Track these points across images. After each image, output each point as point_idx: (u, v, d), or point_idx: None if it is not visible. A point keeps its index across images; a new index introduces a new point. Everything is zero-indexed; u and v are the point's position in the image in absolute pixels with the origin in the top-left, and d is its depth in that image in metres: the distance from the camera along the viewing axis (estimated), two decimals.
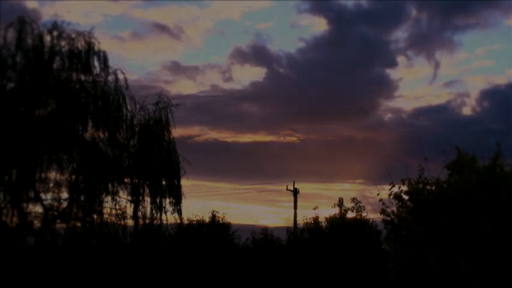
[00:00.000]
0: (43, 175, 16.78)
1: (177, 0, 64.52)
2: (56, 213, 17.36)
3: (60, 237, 17.43)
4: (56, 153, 17.13)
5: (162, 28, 64.82)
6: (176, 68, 65.11)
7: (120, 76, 18.05)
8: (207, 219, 27.57)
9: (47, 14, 55.15)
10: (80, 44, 17.25)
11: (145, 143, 18.93)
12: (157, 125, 19.34)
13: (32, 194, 17.03)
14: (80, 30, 17.40)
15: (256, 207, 62.17)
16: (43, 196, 17.19)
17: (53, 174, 17.13)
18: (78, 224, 17.70)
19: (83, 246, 17.62)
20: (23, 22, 16.52)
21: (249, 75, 74.04)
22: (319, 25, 68.63)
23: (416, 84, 71.22)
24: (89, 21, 60.29)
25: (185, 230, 26.37)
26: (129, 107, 18.59)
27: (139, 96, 19.21)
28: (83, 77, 17.33)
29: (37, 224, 17.16)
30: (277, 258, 26.34)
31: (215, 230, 27.13)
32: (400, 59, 71.13)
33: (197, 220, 27.45)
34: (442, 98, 68.21)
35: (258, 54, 64.54)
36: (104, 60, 17.72)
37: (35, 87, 16.42)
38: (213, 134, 61.14)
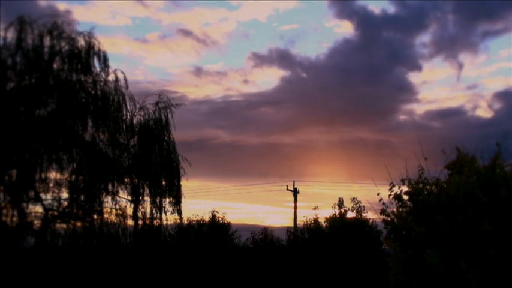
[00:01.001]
0: (43, 175, 16.80)
1: (204, 0, 64.05)
2: (56, 213, 17.37)
3: (60, 237, 17.43)
4: (56, 153, 17.15)
5: (186, 31, 64.50)
6: (198, 72, 64.92)
7: (120, 76, 18.10)
8: (207, 219, 27.57)
9: (76, 15, 55.40)
10: (80, 44, 17.28)
11: (145, 143, 18.94)
12: (157, 125, 19.36)
13: (32, 194, 17.05)
14: (80, 30, 17.45)
15: (266, 208, 62.41)
16: (43, 196, 17.23)
17: (53, 174, 17.17)
18: (78, 224, 17.71)
19: (83, 246, 17.62)
20: (23, 22, 16.53)
21: (272, 78, 73.51)
22: (344, 29, 68.34)
23: (439, 87, 70.79)
24: (116, 23, 60.32)
25: (185, 230, 26.37)
26: (129, 107, 18.64)
27: (139, 97, 19.26)
28: (83, 77, 17.34)
29: (37, 224, 17.18)
30: (277, 258, 26.33)
31: (215, 230, 27.12)
32: (424, 62, 71.03)
33: (197, 220, 27.44)
34: (463, 100, 67.74)
35: (281, 58, 64.35)
36: (104, 60, 17.75)
37: (35, 87, 16.42)
38: (230, 137, 61.21)
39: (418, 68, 64.76)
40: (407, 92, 61.39)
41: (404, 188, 10.65)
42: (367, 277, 23.82)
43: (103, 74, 17.73)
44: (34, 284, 16.55)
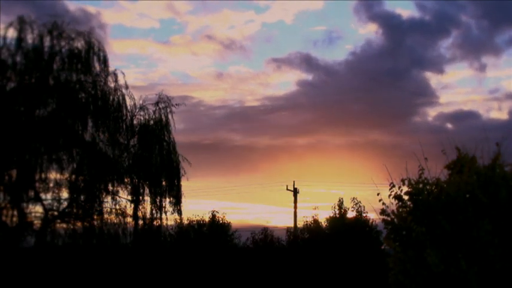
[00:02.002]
0: (43, 175, 16.81)
1: (235, 1, 63.90)
2: (56, 213, 17.37)
3: (60, 237, 17.43)
4: (56, 153, 17.14)
5: (210, 34, 64.39)
6: (219, 76, 64.88)
7: (120, 76, 18.10)
8: (207, 220, 27.56)
9: (105, 17, 55.71)
10: (80, 44, 17.28)
11: (145, 143, 18.93)
12: (157, 125, 19.33)
13: (32, 194, 17.05)
14: (80, 30, 17.43)
15: (273, 208, 62.50)
16: (43, 196, 17.23)
17: (53, 174, 17.17)
18: (78, 224, 17.70)
19: (83, 246, 17.62)
20: (23, 22, 16.54)
21: (292, 81, 73.24)
22: (369, 31, 68.34)
23: (460, 90, 70.58)
24: (142, 26, 60.57)
25: (185, 230, 26.37)
26: (129, 107, 18.62)
27: (139, 97, 19.26)
28: (83, 77, 17.34)
29: (37, 224, 17.17)
30: (277, 258, 26.33)
31: (215, 230, 27.12)
32: (445, 66, 70.95)
33: (197, 220, 27.44)
34: (484, 103, 67.55)
35: (303, 61, 64.21)
36: (104, 60, 17.74)
37: (35, 87, 16.42)
38: (247, 140, 61.22)
39: (440, 71, 64.75)
40: (427, 95, 61.31)
41: (405, 188, 10.65)
42: (367, 277, 23.82)
43: (103, 74, 17.72)
44: (34, 284, 16.55)
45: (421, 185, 10.48)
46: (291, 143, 61.56)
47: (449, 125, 60.08)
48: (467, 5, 60.75)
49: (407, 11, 71.66)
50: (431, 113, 66.85)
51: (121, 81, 18.14)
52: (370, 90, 60.35)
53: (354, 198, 27.01)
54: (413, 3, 64.09)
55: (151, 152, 18.93)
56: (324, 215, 27.74)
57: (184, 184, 19.94)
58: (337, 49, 69.69)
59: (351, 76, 61.83)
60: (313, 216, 27.86)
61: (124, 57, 59.74)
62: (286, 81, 74.07)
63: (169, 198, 19.33)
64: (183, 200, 19.78)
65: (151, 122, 19.27)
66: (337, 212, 26.91)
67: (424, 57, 61.84)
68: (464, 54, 66.24)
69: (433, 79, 78.11)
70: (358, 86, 60.64)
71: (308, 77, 66.98)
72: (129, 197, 18.65)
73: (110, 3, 56.25)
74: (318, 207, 28.15)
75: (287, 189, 37.42)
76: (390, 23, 60.52)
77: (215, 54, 65.59)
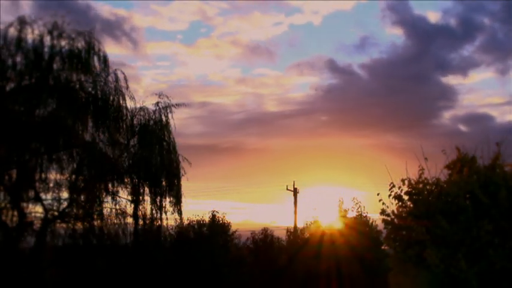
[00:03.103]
0: (43, 175, 16.80)
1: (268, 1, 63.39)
2: (56, 213, 17.36)
3: (60, 237, 17.43)
4: (56, 153, 17.14)
5: (236, 37, 64.11)
6: (241, 80, 64.72)
7: (120, 76, 18.09)
8: (207, 220, 27.53)
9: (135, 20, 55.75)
10: (80, 44, 17.27)
11: (145, 143, 18.92)
12: (157, 125, 19.33)
13: (32, 194, 17.04)
14: (80, 30, 17.42)
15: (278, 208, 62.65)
16: (43, 196, 17.22)
17: (53, 174, 17.16)
18: (78, 224, 17.70)
19: (83, 246, 17.62)
20: (23, 22, 16.53)
21: (314, 84, 72.82)
22: (394, 35, 68.17)
23: (484, 93, 70.36)
24: (172, 28, 60.45)
25: (185, 230, 26.35)
26: (129, 107, 18.62)
27: (139, 97, 19.28)
28: (83, 77, 17.33)
29: (37, 224, 17.16)
30: (276, 258, 26.34)
31: (215, 230, 27.08)
32: (470, 70, 70.76)
33: (197, 220, 27.41)
34: (506, 106, 67.30)
35: (326, 64, 63.94)
36: (104, 60, 17.73)
37: (35, 87, 16.41)
38: (262, 144, 61.18)
39: (464, 75, 64.61)
40: (450, 99, 61.15)
41: (405, 188, 10.65)
42: (367, 277, 23.81)
43: (103, 74, 17.72)
44: (34, 284, 16.55)
45: (421, 185, 10.49)
46: (304, 145, 61.31)
47: (470, 128, 59.94)
48: (492, 8, 60.53)
49: (433, 15, 71.12)
50: (453, 116, 66.57)
51: (121, 81, 18.14)
52: (391, 94, 60.24)
53: (354, 198, 26.98)
54: (439, 7, 63.87)
55: (151, 152, 18.92)
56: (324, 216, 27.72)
57: (184, 184, 19.97)
58: (362, 52, 69.43)
59: (373, 80, 61.67)
60: (313, 216, 27.85)
61: (151, 59, 59.84)
62: (307, 85, 73.71)
63: (169, 198, 19.34)
64: (183, 200, 19.80)
65: (151, 122, 19.27)
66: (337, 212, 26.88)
67: (447, 61, 61.72)
68: (488, 58, 66.16)
69: (456, 83, 77.91)
70: (379, 89, 60.52)
71: (330, 80, 66.65)
72: (129, 197, 18.65)
73: (142, 3, 56.13)
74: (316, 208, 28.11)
75: (287, 189, 37.46)
76: (415, 27, 60.37)
77: (239, 57, 65.31)
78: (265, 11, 65.07)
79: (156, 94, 19.67)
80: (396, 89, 59.75)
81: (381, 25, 67.96)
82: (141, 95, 19.69)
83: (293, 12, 71.33)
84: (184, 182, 19.89)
